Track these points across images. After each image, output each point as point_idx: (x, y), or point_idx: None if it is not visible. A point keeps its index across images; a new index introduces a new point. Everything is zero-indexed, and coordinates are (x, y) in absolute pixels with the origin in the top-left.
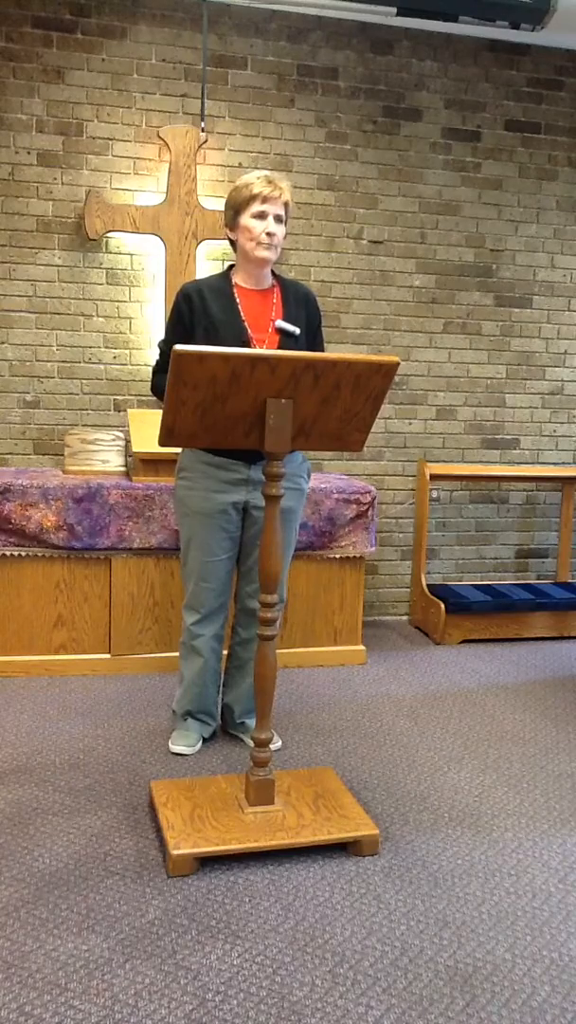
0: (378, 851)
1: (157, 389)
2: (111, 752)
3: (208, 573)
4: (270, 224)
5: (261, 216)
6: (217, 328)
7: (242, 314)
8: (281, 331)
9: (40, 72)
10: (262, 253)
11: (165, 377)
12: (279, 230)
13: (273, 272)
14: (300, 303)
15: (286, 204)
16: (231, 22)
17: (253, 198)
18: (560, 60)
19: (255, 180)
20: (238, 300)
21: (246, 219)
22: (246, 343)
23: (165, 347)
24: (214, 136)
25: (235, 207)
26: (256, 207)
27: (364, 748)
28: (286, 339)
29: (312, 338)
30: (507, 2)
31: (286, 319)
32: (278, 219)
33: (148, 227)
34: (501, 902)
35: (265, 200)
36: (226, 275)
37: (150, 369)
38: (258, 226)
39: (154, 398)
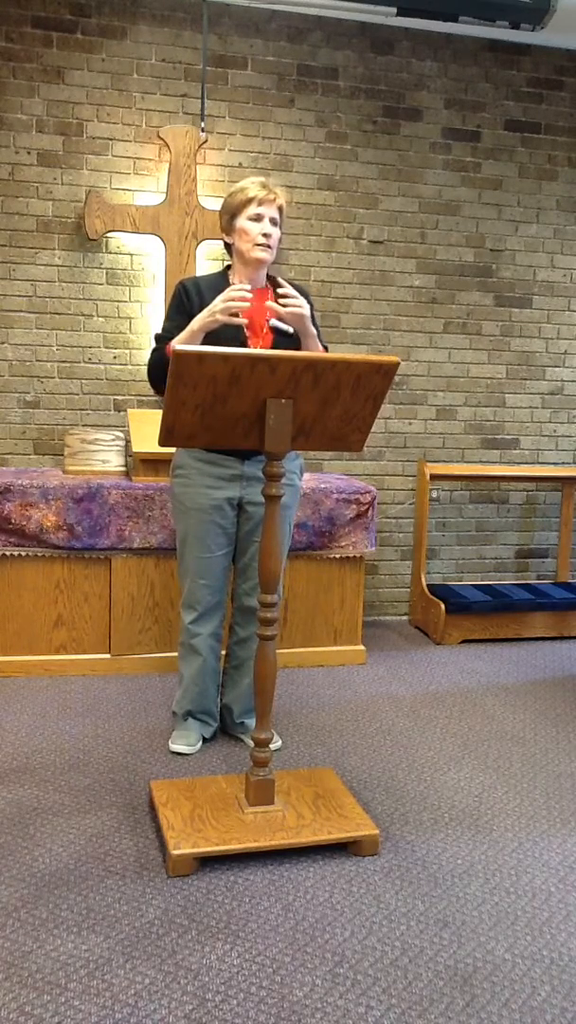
0: (378, 851)
1: (155, 376)
2: (111, 752)
3: (204, 570)
4: (266, 226)
5: (257, 218)
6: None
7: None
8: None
9: (40, 72)
10: (259, 254)
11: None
12: (275, 232)
13: (267, 273)
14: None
15: (280, 208)
16: (231, 22)
17: (249, 201)
18: (560, 60)
19: (250, 184)
20: None
21: (242, 221)
22: (242, 343)
23: (168, 334)
24: (214, 136)
25: (231, 211)
26: (252, 210)
27: (364, 748)
28: (280, 338)
29: None
30: (507, 2)
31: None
32: (273, 222)
33: (148, 227)
34: (501, 902)
35: (261, 203)
36: (223, 275)
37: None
38: (254, 228)
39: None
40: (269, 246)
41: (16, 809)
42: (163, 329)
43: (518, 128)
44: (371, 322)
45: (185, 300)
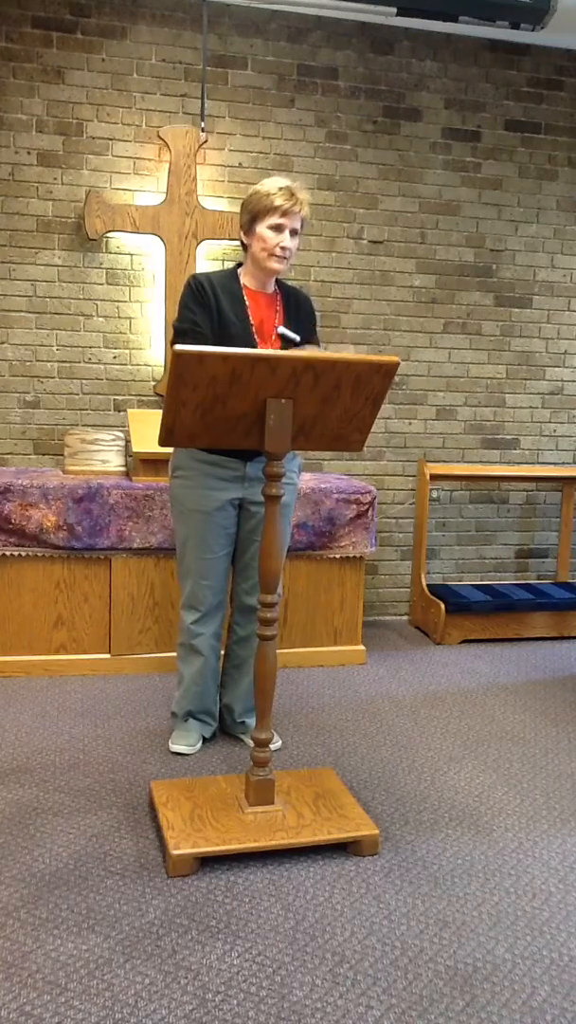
0: (378, 851)
1: None
2: (111, 752)
3: (207, 570)
4: (285, 238)
5: (278, 229)
6: (227, 326)
7: (251, 317)
8: (283, 337)
9: (40, 72)
10: (273, 265)
11: None
12: (293, 244)
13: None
14: (299, 308)
15: (304, 218)
16: (231, 22)
17: (273, 209)
18: (560, 60)
19: (276, 191)
20: (247, 302)
21: (262, 228)
22: (252, 347)
23: (191, 327)
24: (214, 136)
25: (253, 213)
26: (274, 219)
27: (364, 748)
28: (287, 345)
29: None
30: (507, 2)
31: (287, 326)
32: (294, 232)
33: (148, 227)
34: (501, 902)
35: (284, 214)
36: (234, 274)
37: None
38: (274, 238)
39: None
40: (285, 258)
41: (16, 809)
42: (185, 321)
43: (518, 128)
44: (371, 322)
45: (202, 294)
